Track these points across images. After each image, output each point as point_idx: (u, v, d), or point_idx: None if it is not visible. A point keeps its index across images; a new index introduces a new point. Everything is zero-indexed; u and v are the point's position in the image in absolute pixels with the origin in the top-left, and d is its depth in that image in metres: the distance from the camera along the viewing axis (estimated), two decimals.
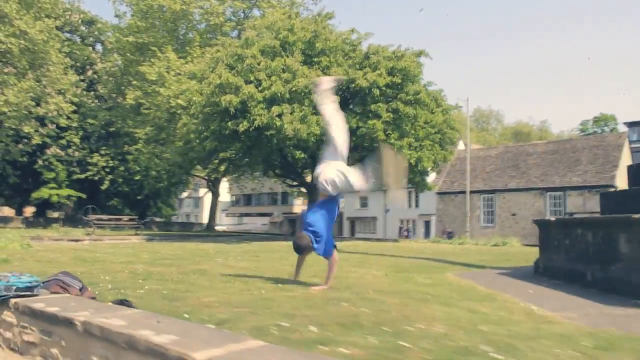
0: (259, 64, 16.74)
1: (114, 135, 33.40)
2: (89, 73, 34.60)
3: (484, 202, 40.74)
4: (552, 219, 8.86)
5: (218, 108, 16.53)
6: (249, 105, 15.83)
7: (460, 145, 43.79)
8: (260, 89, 16.02)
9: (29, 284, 3.55)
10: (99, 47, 38.21)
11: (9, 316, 3.50)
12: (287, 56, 17.29)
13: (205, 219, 73.75)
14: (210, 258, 9.63)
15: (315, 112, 16.92)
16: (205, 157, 18.27)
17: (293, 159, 18.37)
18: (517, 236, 30.19)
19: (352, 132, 18.09)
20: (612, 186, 34.10)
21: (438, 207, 43.38)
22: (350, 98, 18.79)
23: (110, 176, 32.48)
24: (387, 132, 17.88)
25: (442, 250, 14.48)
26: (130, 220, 23.35)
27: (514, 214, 38.89)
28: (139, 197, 35.93)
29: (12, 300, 3.46)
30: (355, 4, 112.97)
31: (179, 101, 25.76)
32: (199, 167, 32.58)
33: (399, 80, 18.06)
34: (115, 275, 6.31)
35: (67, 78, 26.79)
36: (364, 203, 50.95)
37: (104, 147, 32.94)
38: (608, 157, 36.03)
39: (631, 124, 52.34)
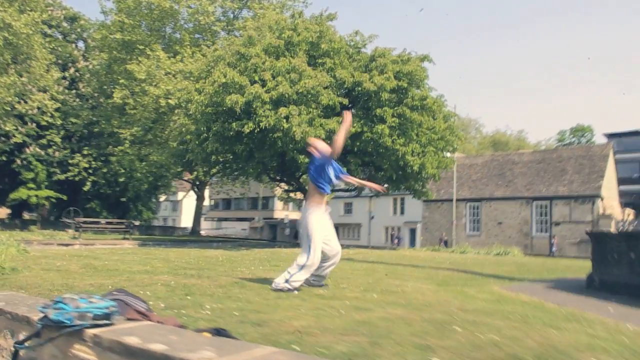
0: (263, 64, 16.10)
1: (97, 135, 32.19)
2: (71, 71, 33.34)
3: (470, 210, 40.75)
4: (611, 231, 8.47)
5: (220, 108, 15.83)
6: (254, 105, 15.17)
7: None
8: (265, 89, 15.37)
9: (105, 311, 2.86)
10: (81, 44, 36.93)
11: (84, 352, 2.76)
12: (292, 57, 16.70)
13: (183, 223, 72.41)
14: (231, 267, 8.94)
15: (323, 115, 16.39)
16: (204, 159, 17.48)
17: (295, 163, 17.75)
18: (502, 244, 30.13)
19: (356, 136, 17.62)
20: (599, 196, 34.47)
21: (424, 214, 43.24)
22: (355, 101, 18.28)
23: (92, 177, 31.24)
24: (392, 138, 17.42)
25: (455, 260, 14.02)
26: (119, 224, 22.36)
27: (500, 223, 38.96)
28: (122, 200, 34.71)
29: (89, 332, 2.73)
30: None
31: (170, 101, 24.93)
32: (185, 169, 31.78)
33: (405, 85, 17.64)
34: (152, 289, 5.60)
35: (50, 75, 25.65)
36: (348, 209, 50.52)
37: (86, 148, 31.68)
38: (594, 167, 36.39)
39: (610, 135, 53.24)
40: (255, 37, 16.93)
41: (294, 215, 66.21)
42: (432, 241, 39.68)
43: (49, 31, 31.35)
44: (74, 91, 32.87)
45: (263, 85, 15.63)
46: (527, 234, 37.27)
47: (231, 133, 15.52)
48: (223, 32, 32.19)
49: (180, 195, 72.55)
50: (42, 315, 2.92)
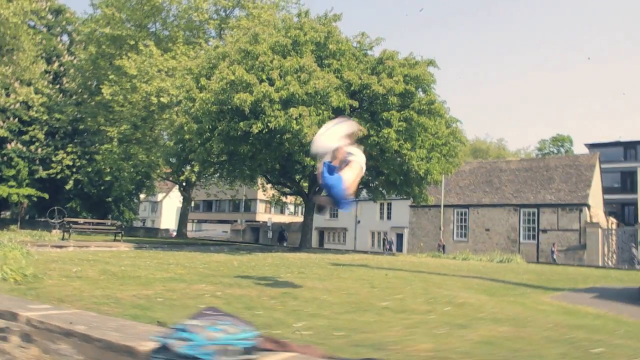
0: (271, 62, 15.58)
1: (82, 132, 31.11)
2: (55, 65, 32.20)
3: (457, 217, 40.75)
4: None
5: (226, 107, 15.24)
6: (263, 105, 14.63)
7: None
8: (274, 88, 14.85)
9: (249, 342, 2.32)
10: (65, 38, 35.75)
11: None
12: (299, 56, 16.22)
13: (163, 224, 70.96)
14: (256, 273, 8.42)
15: (333, 117, 15.92)
16: (204, 160, 16.82)
17: (300, 166, 17.25)
18: (488, 251, 30.16)
19: (362, 140, 17.19)
20: (586, 204, 34.79)
21: (411, 219, 43.10)
22: (360, 104, 17.87)
23: (76, 175, 30.11)
24: (399, 142, 17.08)
25: (468, 267, 13.73)
26: (111, 224, 21.48)
27: (487, 229, 39.03)
28: (108, 199, 33.61)
29: None
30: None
31: (162, 99, 24.18)
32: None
33: (413, 89, 17.34)
34: (204, 302, 5.06)
35: (36, 67, 24.63)
36: (334, 214, 50.08)
37: (70, 145, 30.53)
38: (581, 176, 36.75)
39: (592, 146, 54.11)
40: (261, 35, 16.38)
41: (276, 218, 65.56)
42: (419, 247, 39.49)
43: (37, 22, 30.23)
44: (57, 86, 31.72)
45: (271, 85, 15.10)
46: (515, 240, 37.41)
47: (238, 133, 14.94)
48: (214, 31, 31.55)
49: (160, 196, 71.29)
50: (157, 346, 2.37)
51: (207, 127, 15.46)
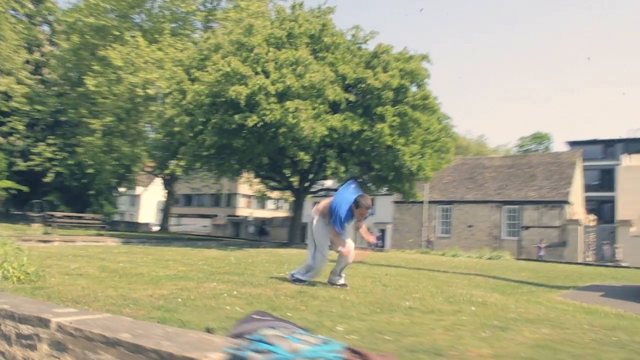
0: (266, 54, 15.28)
1: (63, 124, 30.26)
2: (36, 55, 31.25)
3: (440, 213, 40.93)
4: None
5: (220, 99, 14.90)
6: (258, 98, 14.34)
7: None
8: (270, 81, 14.57)
9: (335, 355, 2.10)
10: (46, 28, 34.70)
11: None
12: (295, 49, 15.96)
13: (142, 218, 69.85)
14: (259, 270, 8.19)
15: (330, 111, 15.75)
16: (194, 153, 16.43)
17: (294, 161, 17.01)
18: (471, 247, 30.36)
19: (355, 135, 17.06)
20: (567, 202, 35.27)
21: (395, 215, 43.16)
22: (356, 98, 17.70)
23: (57, 168, 29.30)
24: (393, 138, 16.97)
25: (463, 264, 13.70)
26: (93, 219, 20.94)
27: (470, 226, 39.30)
28: (90, 192, 32.85)
29: None
30: None
31: (149, 91, 23.64)
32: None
33: (408, 83, 17.23)
34: (224, 303, 4.82)
35: (17, 57, 23.83)
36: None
37: (51, 137, 29.68)
38: (562, 173, 37.22)
39: (572, 143, 54.91)
40: (256, 26, 16.04)
41: (257, 213, 65.11)
42: (403, 243, 39.55)
43: (20, 10, 29.26)
44: (38, 76, 30.81)
45: (266, 77, 14.81)
46: (497, 237, 37.73)
47: (233, 126, 14.62)
48: (200, 23, 31.02)
49: (139, 189, 70.13)
50: (229, 358, 2.15)
51: (200, 119, 15.10)
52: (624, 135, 54.82)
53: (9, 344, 3.13)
